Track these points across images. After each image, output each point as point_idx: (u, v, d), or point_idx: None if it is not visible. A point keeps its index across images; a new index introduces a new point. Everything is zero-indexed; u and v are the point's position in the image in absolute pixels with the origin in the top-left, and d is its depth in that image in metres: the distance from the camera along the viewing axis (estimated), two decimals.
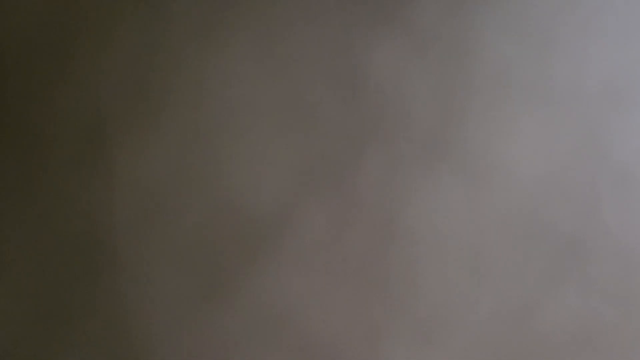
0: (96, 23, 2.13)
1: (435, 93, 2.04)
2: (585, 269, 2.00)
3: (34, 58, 2.15)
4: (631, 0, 2.02)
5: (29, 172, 2.14)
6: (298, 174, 2.07)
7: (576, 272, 2.00)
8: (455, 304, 2.03)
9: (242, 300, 2.08)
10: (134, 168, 2.12)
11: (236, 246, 2.09)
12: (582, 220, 2.01)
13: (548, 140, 2.02)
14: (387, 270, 2.04)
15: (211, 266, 2.09)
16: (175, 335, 2.10)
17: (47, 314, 2.13)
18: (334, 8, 2.07)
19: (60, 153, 2.14)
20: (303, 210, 2.07)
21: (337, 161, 2.06)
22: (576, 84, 2.01)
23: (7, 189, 2.14)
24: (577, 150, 2.01)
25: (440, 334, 2.03)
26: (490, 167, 2.03)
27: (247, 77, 2.09)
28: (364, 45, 2.06)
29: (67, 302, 2.12)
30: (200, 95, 2.11)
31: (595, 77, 2.00)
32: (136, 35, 2.13)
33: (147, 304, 2.11)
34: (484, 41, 2.03)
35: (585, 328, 2.00)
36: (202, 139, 2.10)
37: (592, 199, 2.00)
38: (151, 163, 2.11)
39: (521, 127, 2.02)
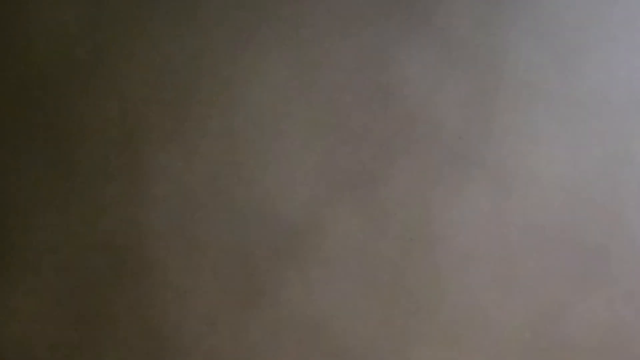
0: (129, 30, 2.12)
1: (465, 102, 2.02)
2: (611, 275, 1.98)
3: (68, 65, 2.13)
4: None
5: (62, 178, 2.12)
6: (329, 182, 2.06)
7: (602, 279, 1.98)
8: (483, 311, 2.01)
9: (273, 306, 2.07)
10: (165, 174, 2.11)
11: (267, 253, 2.07)
12: (608, 227, 1.99)
13: (575, 148, 2.00)
14: (416, 277, 2.03)
15: (242, 273, 2.08)
16: (205, 341, 2.08)
17: (79, 320, 2.12)
18: (366, 17, 2.05)
19: (93, 160, 2.12)
20: (333, 218, 2.06)
21: (368, 169, 2.05)
22: (604, 92, 1.99)
23: (39, 195, 2.13)
24: (603, 159, 1.99)
25: (468, 341, 2.02)
26: (518, 176, 2.01)
27: (279, 85, 2.08)
28: (395, 54, 2.05)
29: (99, 307, 2.11)
30: (232, 103, 2.09)
31: (623, 86, 1.98)
32: (169, 44, 2.11)
33: (178, 310, 2.09)
34: (513, 51, 2.01)
35: (611, 335, 1.98)
36: (233, 146, 2.09)
37: (618, 207, 1.98)
38: (183, 169, 2.10)
39: (550, 136, 2.00)
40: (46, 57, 2.14)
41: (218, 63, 2.10)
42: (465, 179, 2.02)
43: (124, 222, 2.11)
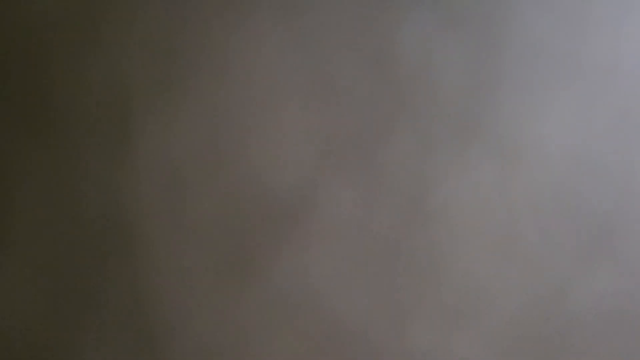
0: None
1: (466, 68, 2.03)
2: (619, 249, 1.98)
3: (59, 33, 2.16)
4: None
5: (52, 150, 2.15)
6: (324, 152, 2.07)
7: (609, 254, 1.99)
8: (485, 286, 2.02)
9: (266, 281, 2.08)
10: (157, 146, 2.13)
11: (261, 226, 2.09)
12: (616, 200, 1.99)
13: (582, 118, 2.00)
14: (415, 251, 2.03)
15: (234, 246, 2.10)
16: (196, 316, 2.11)
17: (63, 296, 2.14)
18: None
19: (84, 131, 2.15)
20: (329, 189, 2.06)
21: (365, 139, 2.05)
22: (611, 59, 1.99)
23: (29, 167, 2.15)
24: (611, 128, 1.99)
25: (468, 316, 2.02)
26: (522, 145, 2.01)
27: (272, 52, 2.09)
28: (393, 20, 2.05)
29: (88, 283, 2.14)
30: (225, 71, 2.11)
31: (631, 52, 1.99)
32: (161, 11, 2.13)
33: (168, 285, 2.12)
34: (515, 14, 2.01)
35: (619, 311, 1.98)
36: (227, 116, 2.10)
37: (626, 178, 1.98)
38: (175, 141, 2.12)
39: (554, 104, 2.00)
40: (30, 24, 2.16)
41: (209, 28, 2.11)
42: (466, 148, 2.02)
43: (113, 195, 2.13)
